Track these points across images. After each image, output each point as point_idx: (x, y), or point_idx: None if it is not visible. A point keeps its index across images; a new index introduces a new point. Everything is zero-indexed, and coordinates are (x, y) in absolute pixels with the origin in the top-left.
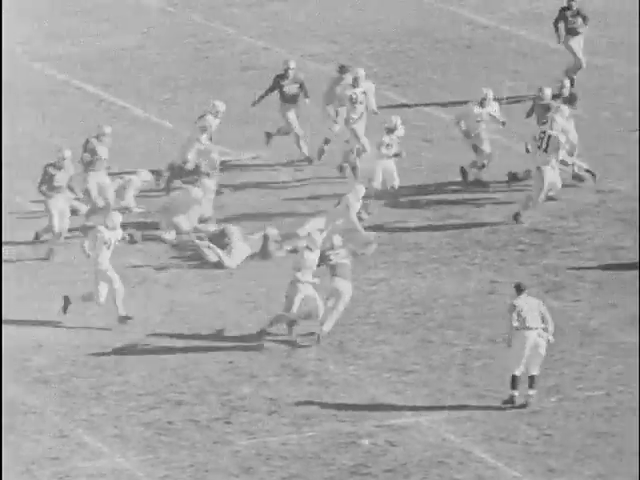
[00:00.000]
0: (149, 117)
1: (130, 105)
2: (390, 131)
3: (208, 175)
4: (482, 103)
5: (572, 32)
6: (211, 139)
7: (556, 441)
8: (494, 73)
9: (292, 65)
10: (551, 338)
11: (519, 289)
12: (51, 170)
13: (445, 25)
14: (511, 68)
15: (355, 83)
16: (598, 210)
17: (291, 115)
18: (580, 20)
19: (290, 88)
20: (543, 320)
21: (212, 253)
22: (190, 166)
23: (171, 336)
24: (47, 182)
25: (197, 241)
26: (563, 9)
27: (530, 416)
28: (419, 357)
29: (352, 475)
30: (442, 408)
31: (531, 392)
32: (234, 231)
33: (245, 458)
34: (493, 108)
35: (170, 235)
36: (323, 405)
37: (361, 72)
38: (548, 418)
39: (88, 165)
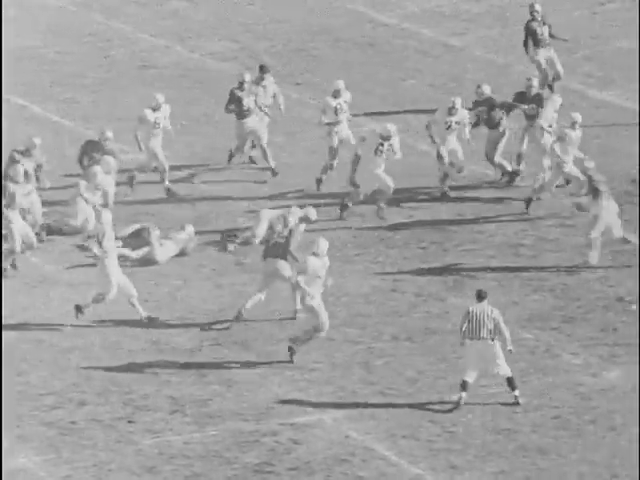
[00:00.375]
0: (49, 116)
1: (30, 104)
2: (385, 139)
3: (113, 155)
4: (450, 111)
5: (541, 43)
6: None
7: (458, 438)
8: (395, 71)
9: (247, 78)
10: (512, 348)
11: (480, 297)
12: (11, 187)
13: (347, 23)
14: (412, 66)
15: (336, 94)
16: (499, 208)
17: (246, 130)
18: (547, 28)
19: (247, 102)
20: (497, 330)
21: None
22: (109, 145)
23: (72, 335)
24: (9, 198)
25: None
26: (528, 22)
27: (433, 413)
28: (322, 355)
29: (256, 473)
30: (345, 406)
31: (515, 393)
32: (154, 229)
33: (148, 457)
34: (461, 116)
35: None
36: (226, 404)
37: (341, 83)
38: (450, 415)
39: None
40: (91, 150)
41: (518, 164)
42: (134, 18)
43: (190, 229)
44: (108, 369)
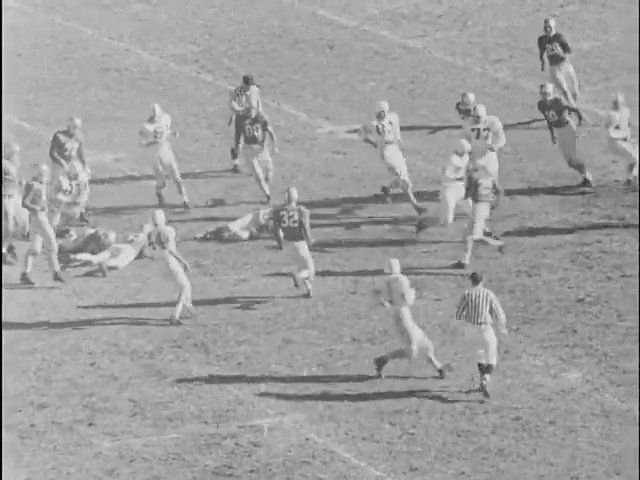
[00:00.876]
0: (10, 119)
1: None
2: (460, 154)
3: (80, 142)
4: (476, 120)
5: (554, 60)
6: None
7: (418, 440)
8: (355, 73)
9: (254, 104)
10: (504, 331)
11: (475, 280)
12: (36, 185)
13: (306, 26)
14: (372, 69)
15: (381, 115)
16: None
17: (255, 160)
18: (559, 47)
19: (252, 129)
20: (492, 313)
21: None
22: (78, 133)
23: (32, 338)
24: (35, 198)
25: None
26: (541, 38)
27: (392, 415)
28: (282, 357)
29: (216, 476)
30: (305, 408)
31: (485, 376)
32: (109, 233)
33: (108, 460)
34: (489, 122)
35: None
36: (186, 406)
37: (385, 105)
38: (410, 417)
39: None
40: (62, 141)
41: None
42: (94, 20)
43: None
44: (68, 371)
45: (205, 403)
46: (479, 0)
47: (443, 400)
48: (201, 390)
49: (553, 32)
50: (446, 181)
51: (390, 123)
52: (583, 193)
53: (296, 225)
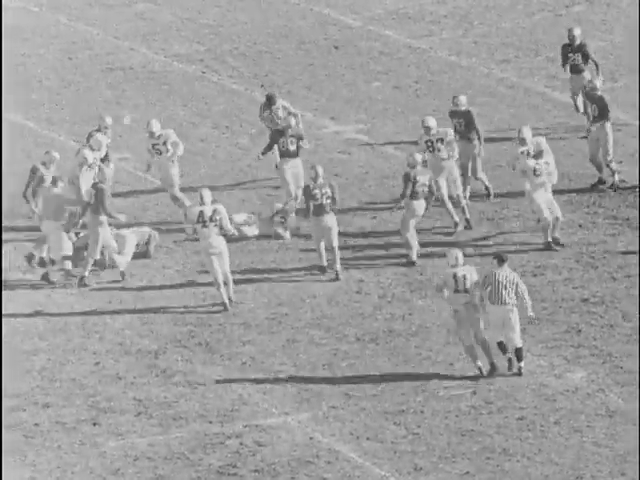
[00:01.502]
0: (14, 119)
1: None
2: (537, 156)
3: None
4: (522, 142)
5: (574, 70)
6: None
7: (423, 440)
8: (360, 73)
9: (293, 123)
10: (532, 314)
11: (500, 260)
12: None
13: (311, 25)
14: (377, 69)
15: (427, 132)
16: (463, 209)
17: (288, 171)
18: (581, 57)
19: (287, 142)
20: (518, 295)
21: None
22: (108, 133)
23: (36, 338)
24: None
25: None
26: (564, 46)
27: (397, 415)
28: (286, 357)
29: (220, 476)
30: (309, 408)
31: (521, 364)
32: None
33: (113, 459)
34: (541, 159)
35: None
36: (191, 406)
37: (430, 121)
38: (415, 417)
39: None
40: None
41: (600, 171)
42: (99, 20)
43: (154, 233)
44: (72, 371)
45: (209, 402)
46: (484, 0)
47: (447, 400)
48: (205, 389)
49: (578, 42)
50: (532, 188)
51: (441, 139)
52: (597, 191)
53: (329, 201)
